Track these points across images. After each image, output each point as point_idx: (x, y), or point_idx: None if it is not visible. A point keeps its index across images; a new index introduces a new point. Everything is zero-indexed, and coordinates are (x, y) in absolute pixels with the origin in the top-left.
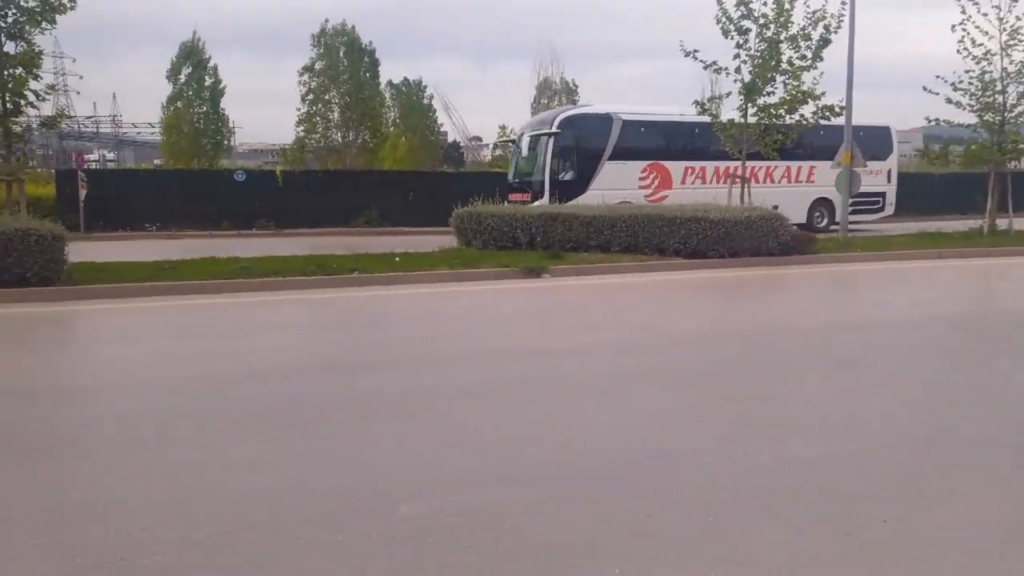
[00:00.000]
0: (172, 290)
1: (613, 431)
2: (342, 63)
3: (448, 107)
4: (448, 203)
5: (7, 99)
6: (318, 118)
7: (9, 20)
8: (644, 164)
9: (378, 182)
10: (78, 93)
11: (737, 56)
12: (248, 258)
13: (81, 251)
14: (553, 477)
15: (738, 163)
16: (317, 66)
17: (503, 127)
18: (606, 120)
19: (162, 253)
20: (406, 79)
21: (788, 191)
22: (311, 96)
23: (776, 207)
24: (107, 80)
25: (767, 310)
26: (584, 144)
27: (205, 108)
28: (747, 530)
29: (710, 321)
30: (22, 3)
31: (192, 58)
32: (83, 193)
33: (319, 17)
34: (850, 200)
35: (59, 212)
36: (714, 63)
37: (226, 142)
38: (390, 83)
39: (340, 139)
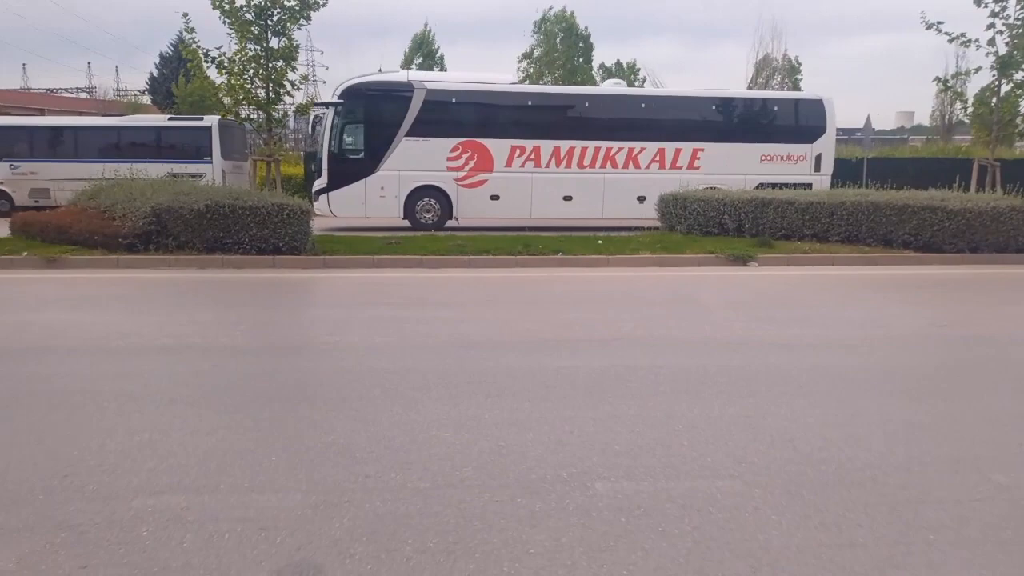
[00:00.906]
0: (398, 263)
1: (827, 433)
2: (557, 49)
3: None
4: None
5: (270, 88)
6: None
7: (274, 19)
8: (455, 142)
9: None
10: (324, 83)
11: (991, 26)
12: (462, 236)
13: (321, 224)
14: (758, 474)
15: (582, 143)
16: (535, 53)
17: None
18: (404, 89)
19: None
20: (618, 62)
21: (662, 179)
22: (527, 82)
23: (643, 199)
24: (349, 70)
25: (1013, 314)
26: (374, 117)
27: None
28: (970, 556)
29: (942, 322)
30: (285, 3)
31: (423, 48)
32: None
33: (539, 4)
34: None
35: (306, 190)
36: (962, 35)
37: None
38: (602, 66)
39: None
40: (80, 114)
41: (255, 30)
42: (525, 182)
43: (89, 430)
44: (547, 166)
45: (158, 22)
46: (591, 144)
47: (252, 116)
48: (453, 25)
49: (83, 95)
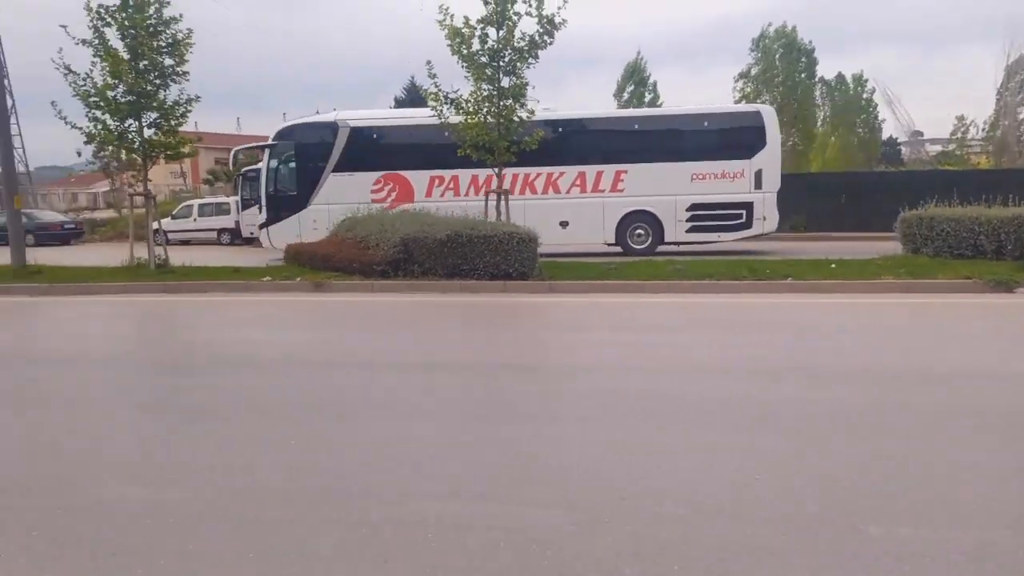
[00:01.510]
0: (620, 288)
1: None
2: (776, 66)
3: (891, 100)
4: (885, 206)
5: (500, 125)
6: None
7: (506, 60)
8: (377, 175)
9: (806, 185)
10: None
11: None
12: (682, 261)
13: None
14: None
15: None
16: (752, 71)
17: (960, 118)
18: (330, 129)
19: (608, 256)
20: (840, 75)
21: (583, 203)
22: (743, 102)
23: (565, 223)
24: (560, 102)
25: None
26: (304, 156)
27: None
28: None
29: None
30: (515, 44)
31: (635, 76)
32: None
33: (752, 23)
34: (689, 213)
35: None
36: None
37: None
38: (821, 80)
39: None
40: None
41: (488, 72)
42: (445, 211)
43: (368, 437)
44: (466, 195)
45: (394, 68)
46: (508, 171)
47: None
48: (662, 49)
49: None
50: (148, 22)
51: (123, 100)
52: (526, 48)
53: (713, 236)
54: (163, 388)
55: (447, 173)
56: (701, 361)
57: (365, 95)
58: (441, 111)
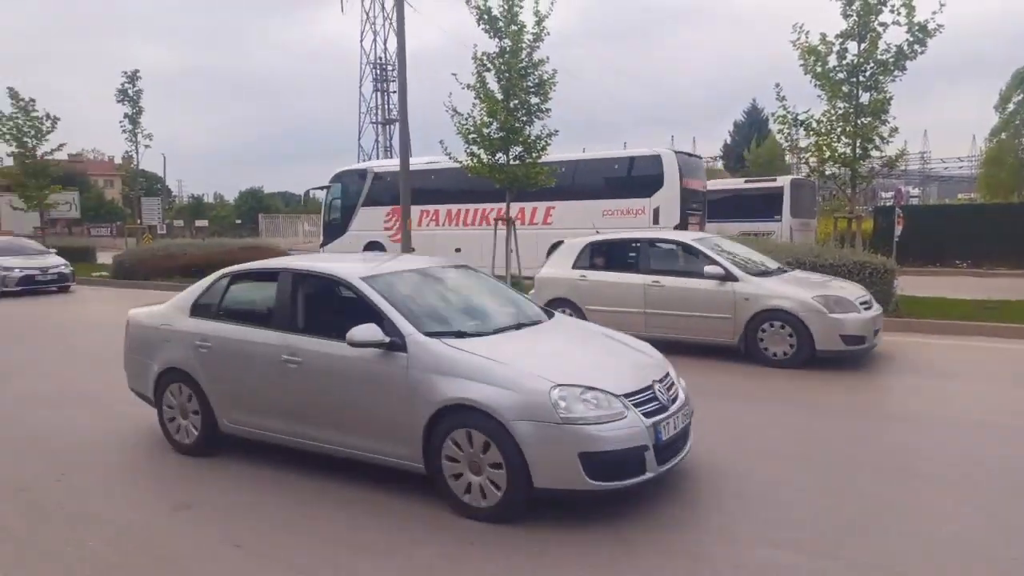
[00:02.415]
0: (997, 332)
1: None
2: None
3: None
4: None
5: (857, 144)
6: None
7: (866, 74)
8: (388, 209)
9: None
10: (897, 131)
11: None
12: None
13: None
14: None
15: (465, 206)
16: None
17: None
18: (363, 174)
19: (975, 291)
20: None
21: (524, 234)
22: None
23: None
24: (921, 117)
25: None
26: (347, 194)
27: None
28: None
29: None
30: (879, 56)
31: None
32: (898, 229)
33: None
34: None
35: (873, 246)
36: None
37: None
38: None
39: None
40: None
41: (845, 88)
42: (431, 237)
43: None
44: (444, 224)
45: (730, 99)
46: (473, 207)
47: (837, 173)
48: None
49: None
50: (520, 65)
51: (496, 136)
52: (891, 60)
53: None
54: None
55: (431, 208)
56: None
57: (709, 119)
58: (788, 134)
